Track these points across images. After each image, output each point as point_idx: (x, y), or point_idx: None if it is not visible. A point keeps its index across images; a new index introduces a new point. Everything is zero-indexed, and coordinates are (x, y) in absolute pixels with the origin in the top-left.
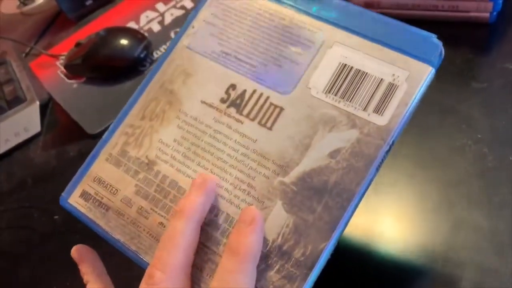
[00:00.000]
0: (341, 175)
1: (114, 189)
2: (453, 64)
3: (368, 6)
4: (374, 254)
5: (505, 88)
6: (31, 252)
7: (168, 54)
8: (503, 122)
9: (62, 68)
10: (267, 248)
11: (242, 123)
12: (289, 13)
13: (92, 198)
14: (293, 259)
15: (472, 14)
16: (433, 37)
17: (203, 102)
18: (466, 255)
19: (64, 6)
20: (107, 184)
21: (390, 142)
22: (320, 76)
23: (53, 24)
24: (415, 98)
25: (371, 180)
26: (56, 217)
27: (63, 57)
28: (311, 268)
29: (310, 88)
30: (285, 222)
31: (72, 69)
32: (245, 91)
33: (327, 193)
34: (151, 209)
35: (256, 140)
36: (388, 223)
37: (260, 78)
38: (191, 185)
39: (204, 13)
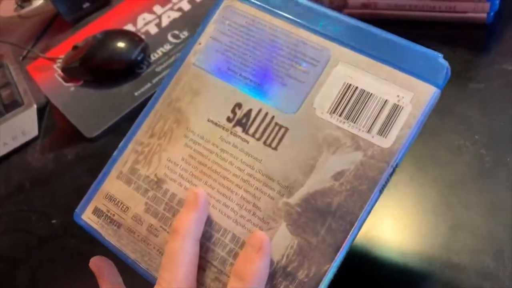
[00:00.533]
0: (344, 198)
1: (125, 207)
2: (450, 65)
3: (365, 7)
4: (373, 256)
5: (503, 88)
6: (29, 256)
7: (176, 71)
8: (500, 123)
9: (60, 71)
10: (272, 269)
11: (248, 142)
12: (294, 30)
13: (104, 215)
14: (297, 280)
15: (469, 14)
16: (439, 57)
17: (210, 120)
18: (464, 257)
19: (61, 9)
20: (118, 201)
21: (394, 165)
22: (325, 96)
23: (50, 27)
24: (419, 120)
25: (375, 203)
26: (54, 221)
27: (60, 60)
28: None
29: (315, 108)
30: (290, 244)
31: (70, 72)
32: (250, 110)
33: (331, 216)
34: (160, 227)
35: (261, 160)
36: (387, 224)
37: (265, 97)
38: (185, 203)
39: (210, 29)
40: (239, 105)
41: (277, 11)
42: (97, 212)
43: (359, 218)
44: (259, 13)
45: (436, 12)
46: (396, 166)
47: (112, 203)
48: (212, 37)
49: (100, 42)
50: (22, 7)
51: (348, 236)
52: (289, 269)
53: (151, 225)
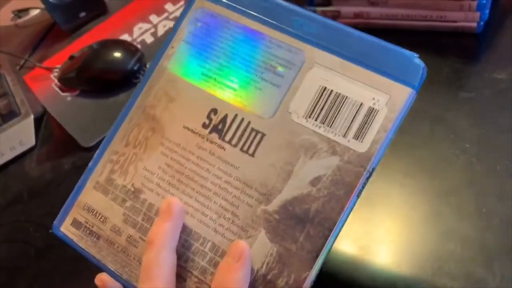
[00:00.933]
0: (322, 204)
1: (103, 217)
2: (441, 73)
3: (357, 17)
4: (364, 265)
5: (493, 97)
6: (27, 266)
7: (149, 77)
8: (490, 131)
9: (56, 81)
10: (253, 277)
11: (224, 149)
12: (268, 31)
13: (83, 226)
14: (279, 286)
15: (459, 24)
16: (415, 57)
17: (185, 127)
18: (455, 266)
19: (58, 18)
20: (96, 212)
21: (370, 170)
22: (301, 100)
23: (47, 36)
24: (395, 123)
25: (352, 208)
26: (51, 231)
27: (57, 70)
28: None
29: (290, 113)
30: (269, 251)
31: (66, 82)
32: (226, 115)
33: (309, 222)
34: (139, 237)
35: (238, 167)
36: (379, 233)
37: (241, 102)
38: (159, 212)
39: (183, 32)
40: (214, 111)
41: (250, 11)
42: (75, 223)
43: (337, 224)
44: (231, 14)
45: (427, 21)
46: (373, 170)
47: (90, 214)
48: (185, 40)
49: (96, 52)
50: (19, 16)
51: (327, 242)
52: (269, 277)
53: (130, 235)
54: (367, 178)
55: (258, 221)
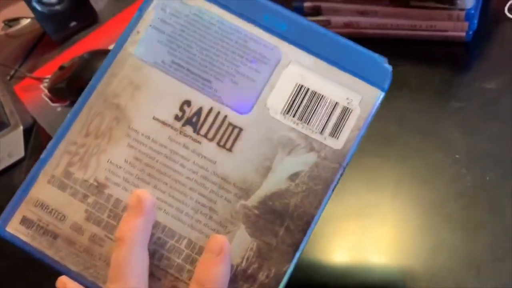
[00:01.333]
0: (301, 198)
1: (61, 215)
2: (431, 83)
3: (347, 26)
4: (355, 276)
5: (483, 107)
6: (15, 280)
7: (111, 62)
8: (480, 142)
9: (46, 91)
10: (233, 272)
11: (200, 143)
12: (242, 24)
13: (36, 225)
14: (258, 282)
15: (449, 33)
16: (384, 62)
17: (155, 119)
18: (445, 276)
19: (48, 28)
20: (52, 209)
21: (345, 165)
22: (278, 96)
23: (37, 46)
24: (367, 122)
25: (327, 202)
26: None
27: (47, 80)
28: (276, 286)
29: (268, 109)
30: (249, 246)
31: (56, 93)
32: (201, 108)
33: (288, 217)
34: (105, 236)
35: (216, 162)
36: (370, 244)
37: (216, 95)
38: (128, 207)
39: (149, 17)
40: (187, 103)
41: (222, 2)
42: (26, 222)
43: (315, 218)
44: (203, 3)
45: (417, 31)
46: (346, 166)
47: (44, 211)
48: (152, 25)
49: (86, 62)
50: (9, 26)
51: (305, 236)
52: (249, 271)
53: (94, 234)
54: (341, 174)
55: (237, 216)
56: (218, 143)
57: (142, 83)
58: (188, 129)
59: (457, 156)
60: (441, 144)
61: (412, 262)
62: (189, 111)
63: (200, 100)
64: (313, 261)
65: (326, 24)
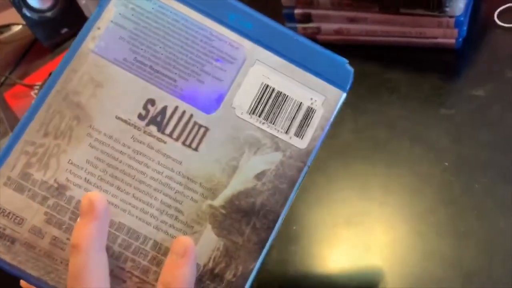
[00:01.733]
0: (267, 197)
1: (18, 218)
2: (421, 90)
3: (338, 33)
4: (345, 283)
5: (472, 114)
6: None
7: (70, 59)
8: (469, 149)
9: None
10: (199, 272)
11: (165, 143)
12: (207, 22)
13: None
14: (225, 281)
15: (439, 40)
16: (346, 63)
17: (118, 118)
18: (434, 283)
19: (39, 35)
20: (9, 212)
21: (309, 164)
22: (244, 96)
23: (28, 53)
24: (329, 122)
25: (292, 201)
26: None
27: (37, 87)
28: (243, 285)
29: (234, 108)
30: (216, 246)
31: None
32: (166, 107)
33: (255, 215)
34: (67, 239)
35: (181, 162)
36: (358, 253)
37: (182, 94)
38: (80, 212)
39: (110, 13)
40: (152, 102)
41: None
42: None
43: (280, 216)
44: (167, 0)
45: (407, 38)
46: (310, 165)
47: (0, 215)
48: (113, 21)
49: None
50: (0, 32)
51: (272, 233)
52: (216, 271)
53: (55, 237)
54: (306, 173)
55: (204, 216)
56: (183, 143)
57: (104, 80)
58: (153, 129)
59: (446, 163)
60: (430, 151)
61: (401, 269)
62: (153, 110)
63: (165, 99)
64: (302, 269)
65: (316, 32)
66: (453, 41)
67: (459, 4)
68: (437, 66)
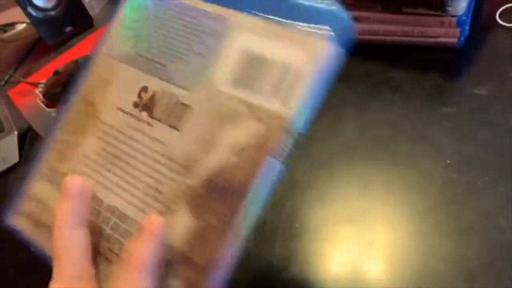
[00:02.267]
0: (246, 172)
1: (49, 207)
2: (423, 89)
3: None
4: (346, 283)
5: (474, 113)
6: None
7: (91, 63)
8: (471, 147)
9: (41, 97)
10: (172, 254)
11: (152, 126)
12: (196, 3)
13: (31, 218)
14: (197, 263)
15: (441, 39)
16: (341, 12)
17: (119, 109)
18: (437, 283)
19: (43, 33)
20: (43, 203)
21: (295, 134)
22: (224, 68)
23: (32, 51)
24: (320, 83)
25: (277, 177)
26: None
27: (42, 85)
28: (214, 271)
29: (215, 82)
30: (190, 226)
31: (51, 98)
32: (156, 92)
33: (230, 193)
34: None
35: (164, 143)
36: (360, 252)
37: (169, 77)
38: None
39: (120, 14)
40: (145, 89)
41: None
42: (25, 214)
43: (259, 192)
44: None
45: (409, 37)
46: (299, 134)
47: (39, 205)
48: (120, 20)
49: (82, 67)
50: (5, 31)
51: (247, 211)
52: (188, 253)
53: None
54: (293, 143)
55: (181, 196)
56: (169, 124)
57: (111, 77)
58: (144, 114)
59: (448, 161)
60: (432, 150)
61: (403, 267)
62: (146, 97)
63: (155, 84)
64: (304, 267)
65: None
66: (455, 40)
67: (461, 3)
68: (439, 65)
